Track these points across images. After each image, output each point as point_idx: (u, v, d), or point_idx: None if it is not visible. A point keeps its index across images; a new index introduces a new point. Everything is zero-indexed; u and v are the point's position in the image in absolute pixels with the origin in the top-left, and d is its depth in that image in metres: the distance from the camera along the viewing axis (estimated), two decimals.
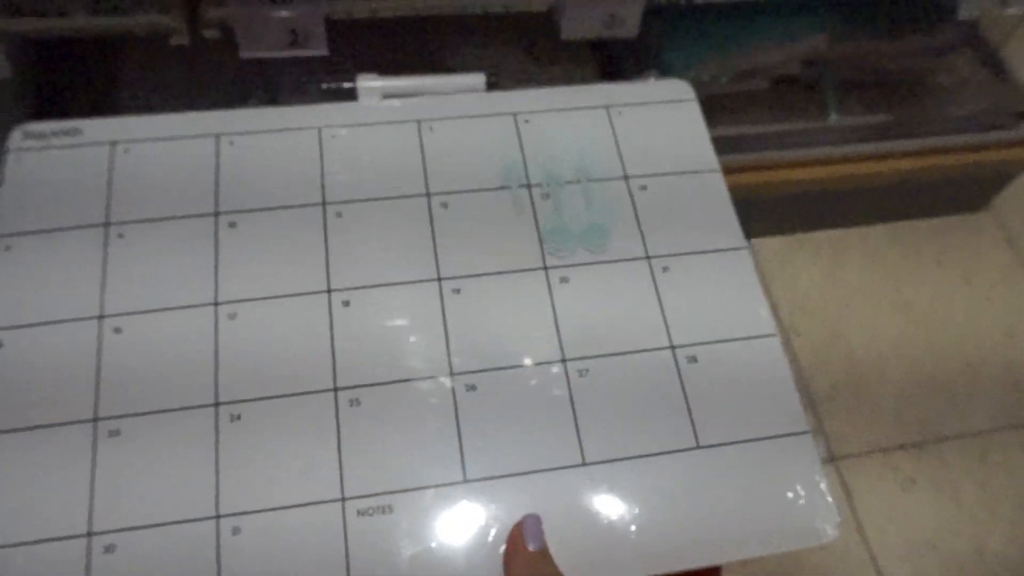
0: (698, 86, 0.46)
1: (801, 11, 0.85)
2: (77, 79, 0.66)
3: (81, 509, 0.33)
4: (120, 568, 0.32)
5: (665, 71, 0.81)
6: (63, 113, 0.56)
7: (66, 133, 0.43)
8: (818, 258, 1.02)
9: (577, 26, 0.69)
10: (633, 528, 0.34)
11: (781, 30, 0.83)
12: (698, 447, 0.36)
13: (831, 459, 0.88)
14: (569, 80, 0.76)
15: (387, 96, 0.45)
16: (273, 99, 0.54)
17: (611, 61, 0.87)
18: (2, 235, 0.39)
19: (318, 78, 0.50)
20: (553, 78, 0.76)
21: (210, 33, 0.63)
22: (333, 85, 0.48)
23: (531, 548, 0.32)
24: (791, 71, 0.84)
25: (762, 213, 0.97)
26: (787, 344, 0.94)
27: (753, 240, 1.02)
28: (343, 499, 0.34)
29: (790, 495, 0.35)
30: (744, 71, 0.82)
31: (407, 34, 0.73)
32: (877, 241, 1.04)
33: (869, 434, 0.90)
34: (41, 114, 0.62)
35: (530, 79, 0.72)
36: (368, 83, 0.45)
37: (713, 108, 0.74)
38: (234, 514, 0.33)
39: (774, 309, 0.96)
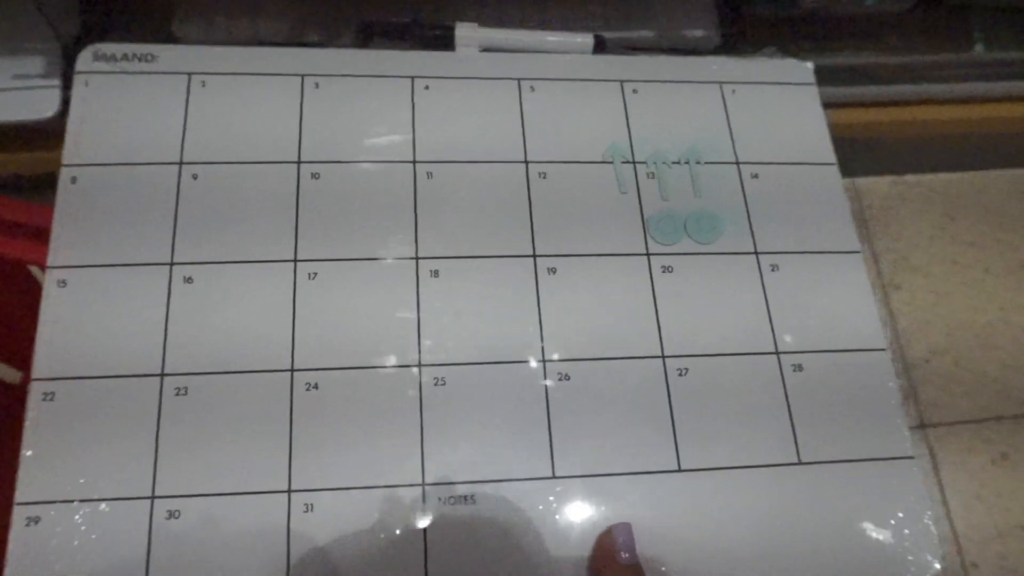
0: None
1: None
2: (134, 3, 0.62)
3: (147, 473, 0.31)
4: (183, 531, 0.30)
5: None
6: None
7: (139, 58, 0.39)
8: (929, 205, 0.91)
9: None
10: (725, 545, 0.32)
11: None
12: (799, 463, 0.34)
13: (921, 426, 0.82)
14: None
15: (486, 49, 0.42)
16: (363, 41, 0.50)
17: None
18: (69, 164, 0.36)
19: (413, 22, 0.46)
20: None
21: None
22: (429, 31, 0.44)
23: (624, 559, 0.30)
24: None
25: (871, 151, 0.86)
26: (884, 300, 0.86)
27: (856, 180, 0.91)
28: (423, 484, 0.32)
29: (892, 523, 0.33)
30: None
31: None
32: (996, 190, 0.93)
33: (965, 403, 0.82)
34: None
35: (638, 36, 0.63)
36: (467, 32, 0.42)
37: (842, 31, 0.68)
38: (307, 490, 0.31)
39: (875, 260, 0.87)
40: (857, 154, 0.85)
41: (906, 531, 0.33)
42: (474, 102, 0.40)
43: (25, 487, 0.31)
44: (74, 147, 0.36)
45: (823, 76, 0.43)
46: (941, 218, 0.92)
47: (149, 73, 0.39)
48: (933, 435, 0.82)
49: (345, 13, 0.56)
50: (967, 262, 0.89)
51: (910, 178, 0.93)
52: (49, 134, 0.56)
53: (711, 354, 0.35)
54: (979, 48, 0.75)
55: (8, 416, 0.51)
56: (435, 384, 0.33)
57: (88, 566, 0.30)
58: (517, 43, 0.42)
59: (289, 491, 0.31)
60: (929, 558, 0.33)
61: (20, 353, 0.52)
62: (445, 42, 0.42)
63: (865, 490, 0.34)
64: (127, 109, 0.38)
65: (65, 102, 0.54)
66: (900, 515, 0.33)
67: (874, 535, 0.33)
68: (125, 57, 0.39)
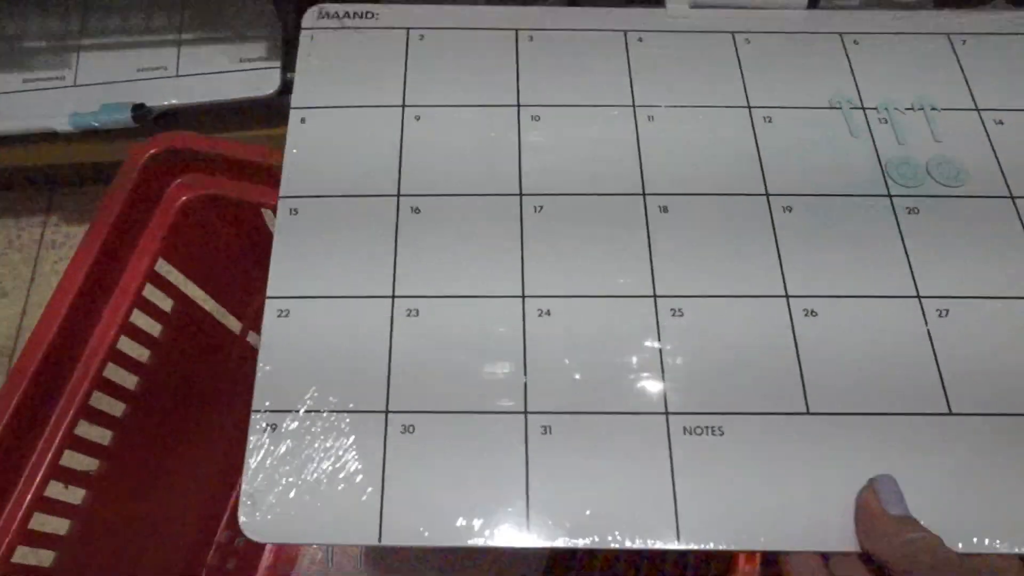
0: None
1: None
2: None
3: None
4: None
5: None
6: None
7: (360, 16, 0.41)
8: None
9: None
10: (997, 492, 0.29)
11: None
12: None
13: None
14: None
15: (696, 5, 0.41)
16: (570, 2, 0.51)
17: None
18: (297, 107, 0.38)
19: None
20: None
21: None
22: None
23: (894, 513, 0.27)
24: None
25: None
26: None
27: None
28: (667, 413, 0.30)
29: None
30: None
31: None
32: None
33: None
34: None
35: None
36: None
37: None
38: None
39: None
40: None
41: None
42: (689, 54, 0.39)
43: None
44: (302, 93, 0.38)
45: None
46: None
47: (370, 28, 0.41)
48: None
49: None
50: None
51: None
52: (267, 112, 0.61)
53: (971, 296, 0.32)
54: None
55: (230, 363, 0.53)
56: (672, 315, 0.32)
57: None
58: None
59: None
60: None
61: (243, 303, 0.54)
62: None
63: None
64: (350, 59, 0.39)
65: (285, 82, 0.58)
66: None
67: None
68: (347, 15, 0.42)
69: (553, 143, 0.36)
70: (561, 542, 0.28)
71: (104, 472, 0.42)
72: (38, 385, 0.37)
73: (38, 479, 0.37)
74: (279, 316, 0.33)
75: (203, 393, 0.51)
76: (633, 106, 0.37)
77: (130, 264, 0.41)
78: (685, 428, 0.30)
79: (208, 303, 0.51)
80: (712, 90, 0.38)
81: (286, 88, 0.59)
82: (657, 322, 0.32)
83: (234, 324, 0.53)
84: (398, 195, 0.36)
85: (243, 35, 0.60)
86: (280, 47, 0.59)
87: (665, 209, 0.34)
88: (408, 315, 0.33)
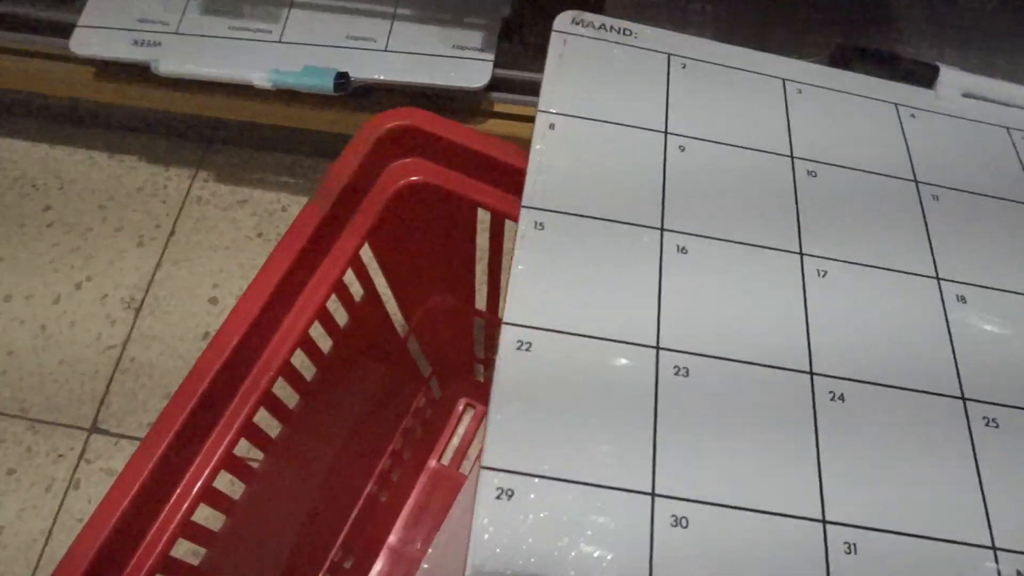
0: None
1: None
2: None
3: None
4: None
5: None
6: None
7: (617, 31, 0.38)
8: None
9: None
10: None
11: None
12: None
13: None
14: None
15: (967, 95, 0.39)
16: (835, 62, 0.47)
17: None
18: (545, 111, 0.35)
19: (894, 55, 0.42)
20: None
21: None
22: (913, 66, 0.41)
23: None
24: None
25: None
26: None
27: None
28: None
29: None
30: None
31: None
32: None
33: None
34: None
35: None
36: (951, 75, 0.39)
37: None
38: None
39: None
40: None
41: None
42: (962, 138, 0.37)
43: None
44: (551, 96, 0.35)
45: None
46: None
47: (627, 45, 0.38)
48: None
49: (815, 33, 0.53)
50: None
51: None
52: (469, 105, 0.57)
53: None
54: None
55: (391, 365, 0.49)
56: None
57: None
58: (1003, 95, 0.40)
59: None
60: None
61: (416, 304, 0.50)
62: (926, 80, 0.40)
63: None
64: (606, 72, 0.36)
65: (495, 77, 0.54)
66: None
67: None
68: (604, 27, 0.38)
69: (835, 211, 0.33)
70: None
71: (267, 467, 0.38)
72: (229, 366, 0.33)
73: (208, 469, 0.33)
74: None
75: (366, 394, 0.47)
76: (915, 181, 0.35)
77: (336, 246, 0.37)
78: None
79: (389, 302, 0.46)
80: (993, 181, 0.36)
81: (494, 84, 0.55)
82: None
83: (400, 325, 0.49)
84: (661, 228, 0.31)
85: (460, 20, 0.56)
86: (495, 40, 0.55)
87: (963, 299, 0.32)
88: (676, 373, 0.28)
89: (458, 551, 0.25)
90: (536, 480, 0.25)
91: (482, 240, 0.43)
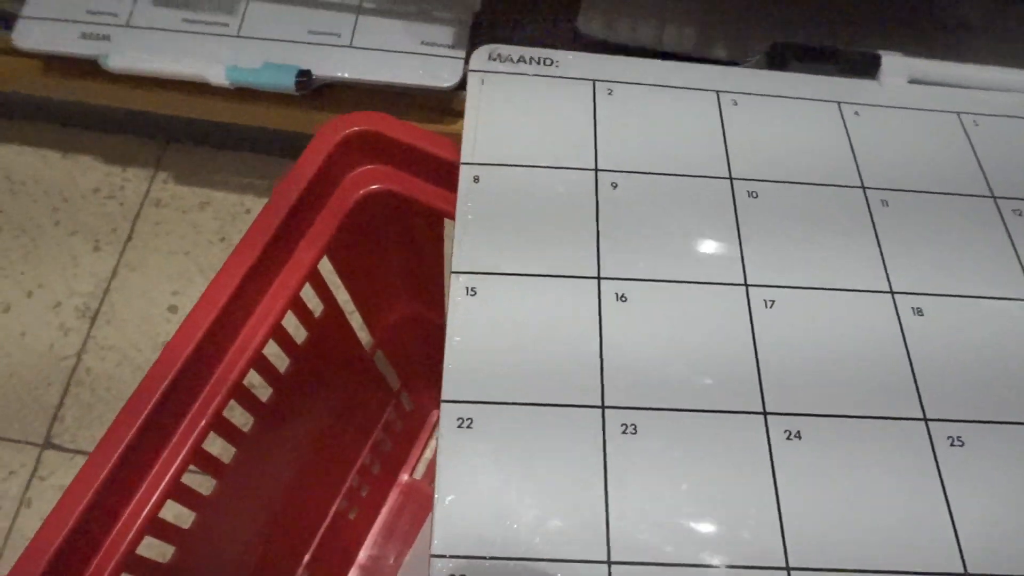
0: None
1: None
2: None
3: None
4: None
5: None
6: None
7: (537, 61, 0.36)
8: None
9: None
10: None
11: None
12: None
13: None
14: None
15: (914, 80, 0.37)
16: (775, 64, 0.45)
17: None
18: (468, 163, 0.32)
19: (833, 49, 0.40)
20: None
21: None
22: (853, 58, 0.39)
23: None
24: None
25: None
26: None
27: None
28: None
29: None
30: None
31: None
32: None
33: None
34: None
35: None
36: (894, 62, 0.38)
37: None
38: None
39: None
40: None
41: None
42: (911, 132, 0.36)
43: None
44: (472, 145, 0.33)
45: None
46: None
47: (549, 77, 0.35)
48: None
49: (756, 31, 0.50)
50: None
51: None
52: (438, 104, 0.55)
53: None
54: None
55: (354, 380, 0.46)
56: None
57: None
58: (951, 77, 0.38)
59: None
60: None
61: (380, 315, 0.47)
62: (869, 71, 0.38)
63: None
64: (529, 111, 0.34)
65: (464, 77, 0.52)
66: None
67: None
68: (523, 59, 0.36)
69: (777, 233, 0.32)
70: None
71: (221, 489, 0.36)
72: (177, 384, 0.30)
73: (157, 493, 0.30)
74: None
75: (329, 410, 0.45)
76: (863, 187, 0.33)
77: (292, 260, 0.35)
78: None
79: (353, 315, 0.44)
80: (944, 176, 0.34)
81: (464, 83, 0.53)
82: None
83: (365, 338, 0.47)
84: (599, 278, 0.30)
85: (429, 15, 0.54)
86: (467, 36, 0.53)
87: (920, 312, 0.30)
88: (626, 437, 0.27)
89: None
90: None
91: (449, 247, 0.41)
